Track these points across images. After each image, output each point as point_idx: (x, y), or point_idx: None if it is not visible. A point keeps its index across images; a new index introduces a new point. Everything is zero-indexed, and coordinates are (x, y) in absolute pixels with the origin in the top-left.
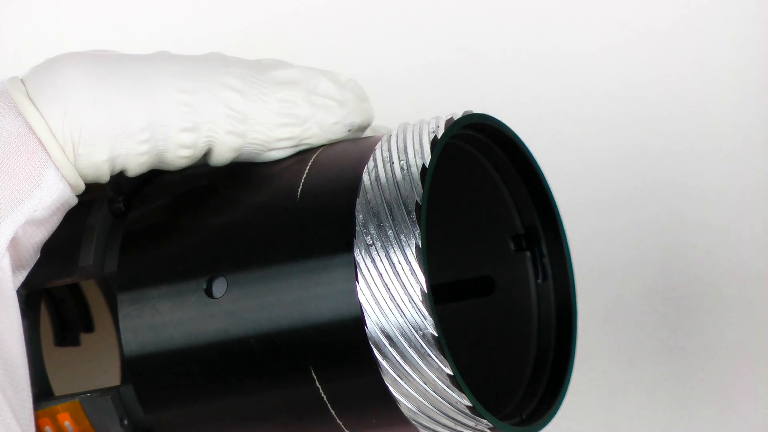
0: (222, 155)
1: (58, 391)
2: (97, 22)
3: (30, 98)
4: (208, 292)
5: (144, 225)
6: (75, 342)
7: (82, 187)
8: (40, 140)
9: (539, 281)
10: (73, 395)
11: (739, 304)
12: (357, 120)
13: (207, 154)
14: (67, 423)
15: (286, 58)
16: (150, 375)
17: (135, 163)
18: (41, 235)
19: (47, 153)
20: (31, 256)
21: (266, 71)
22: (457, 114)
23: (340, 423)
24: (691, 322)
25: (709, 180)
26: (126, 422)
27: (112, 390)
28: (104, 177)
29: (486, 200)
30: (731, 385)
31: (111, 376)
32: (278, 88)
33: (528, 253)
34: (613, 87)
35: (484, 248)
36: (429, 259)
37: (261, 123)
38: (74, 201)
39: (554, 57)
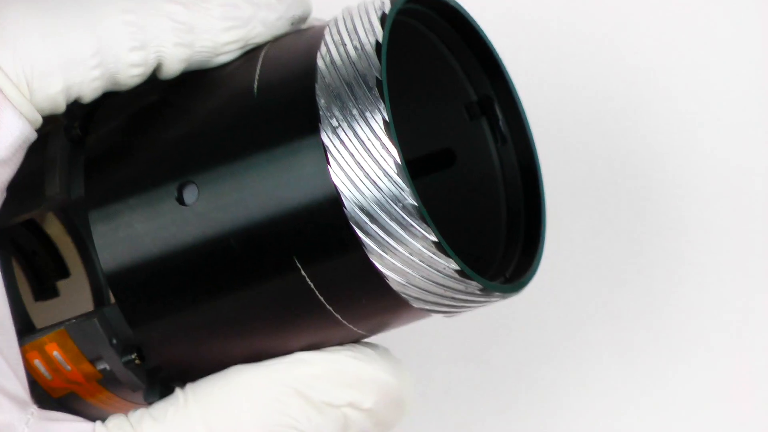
0: (172, 68)
1: (38, 321)
2: None
3: None
4: (180, 200)
5: (104, 146)
6: (54, 293)
7: (40, 121)
8: None
9: (499, 145)
10: (57, 324)
11: (739, 304)
12: (298, 12)
13: (157, 69)
14: (55, 353)
15: None
16: (133, 290)
17: (89, 89)
18: (6, 174)
19: (3, 93)
20: None
21: None
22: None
23: (331, 309)
24: (691, 323)
25: (709, 179)
26: (115, 341)
27: (97, 312)
28: (61, 108)
29: (437, 74)
30: (731, 384)
31: (86, 300)
32: None
33: (484, 119)
34: (614, 85)
35: (441, 122)
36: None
37: (206, 30)
38: (34, 136)
39: (555, 57)
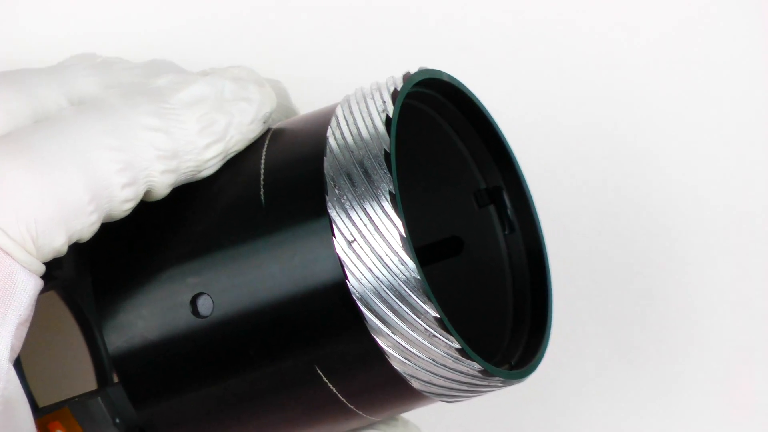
0: (160, 192)
1: (39, 398)
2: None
3: None
4: (195, 312)
5: (112, 257)
6: None
7: (45, 269)
8: (1, 248)
9: (506, 233)
10: (60, 403)
11: (738, 304)
12: (267, 110)
13: (145, 195)
14: (58, 431)
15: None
16: (140, 378)
17: (89, 232)
18: (25, 330)
19: (12, 257)
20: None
21: (172, 95)
22: (399, 80)
23: (353, 407)
24: (691, 322)
25: (709, 180)
26: (118, 421)
27: (101, 391)
28: (64, 253)
29: (445, 159)
30: (731, 384)
31: (88, 378)
32: (191, 109)
33: (492, 207)
34: (615, 86)
35: (449, 207)
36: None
37: (188, 152)
38: (42, 284)
39: (555, 57)
